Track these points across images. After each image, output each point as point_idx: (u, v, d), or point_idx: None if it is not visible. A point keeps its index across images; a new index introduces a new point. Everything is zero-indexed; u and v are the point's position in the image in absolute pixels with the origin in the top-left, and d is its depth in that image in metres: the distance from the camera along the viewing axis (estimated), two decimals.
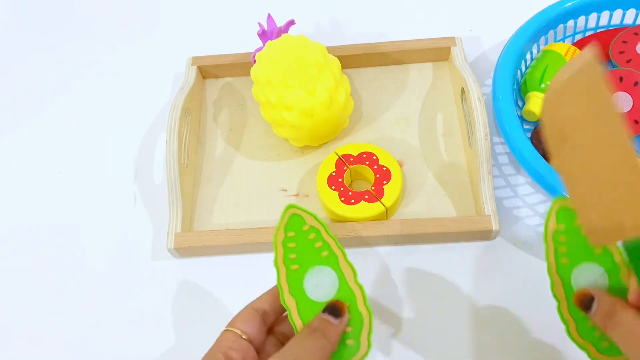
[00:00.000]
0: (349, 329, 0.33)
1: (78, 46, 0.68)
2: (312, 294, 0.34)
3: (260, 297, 0.36)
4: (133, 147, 0.58)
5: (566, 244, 0.35)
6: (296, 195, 0.52)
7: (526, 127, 0.53)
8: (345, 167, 0.50)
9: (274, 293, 0.36)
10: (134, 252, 0.51)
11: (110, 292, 0.49)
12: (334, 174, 0.49)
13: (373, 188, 0.48)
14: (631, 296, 0.32)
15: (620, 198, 0.27)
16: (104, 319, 0.48)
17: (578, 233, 0.35)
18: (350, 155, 0.50)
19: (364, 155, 0.50)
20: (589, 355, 0.34)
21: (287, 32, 0.54)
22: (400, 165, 0.52)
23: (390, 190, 0.48)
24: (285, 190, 0.52)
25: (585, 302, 0.33)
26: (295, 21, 0.54)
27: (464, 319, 0.45)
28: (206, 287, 0.49)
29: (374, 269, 0.48)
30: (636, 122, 0.49)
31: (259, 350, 0.35)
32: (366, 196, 0.48)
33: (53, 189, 0.56)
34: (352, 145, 0.51)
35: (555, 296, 0.35)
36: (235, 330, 0.34)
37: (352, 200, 0.48)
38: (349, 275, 0.34)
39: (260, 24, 0.53)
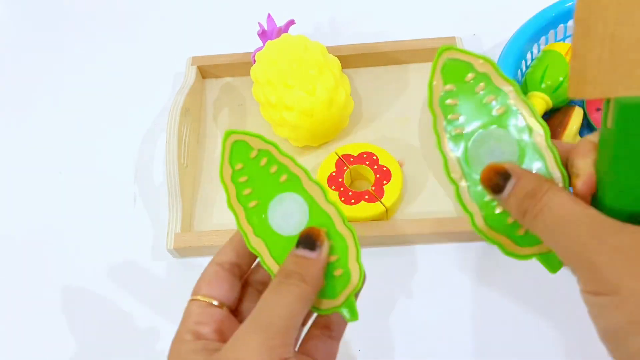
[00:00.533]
0: (333, 258, 0.28)
1: (77, 46, 0.68)
2: (280, 228, 0.28)
3: (223, 248, 0.30)
4: (133, 147, 0.58)
5: (459, 108, 0.27)
6: None
7: None
8: (345, 167, 0.49)
9: (239, 240, 0.30)
10: (133, 252, 0.51)
11: (109, 292, 0.49)
12: (334, 174, 0.49)
13: (373, 188, 0.48)
14: (581, 181, 0.24)
15: None
16: (104, 319, 0.48)
17: (473, 93, 0.27)
18: (350, 155, 0.50)
19: (364, 155, 0.50)
20: (503, 249, 0.27)
21: (287, 32, 0.53)
22: (401, 165, 0.52)
23: (391, 190, 0.48)
24: None
25: (497, 180, 0.25)
26: (295, 21, 0.54)
27: (464, 319, 0.45)
28: None
29: (374, 269, 0.48)
30: None
31: (237, 311, 0.30)
32: (366, 196, 0.48)
33: (53, 189, 0.56)
34: (352, 145, 0.51)
35: (449, 178, 0.27)
36: (202, 299, 0.28)
37: (352, 200, 0.48)
38: (317, 195, 0.28)
39: (260, 24, 0.53)
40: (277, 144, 0.29)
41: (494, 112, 0.27)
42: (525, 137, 0.26)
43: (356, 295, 0.28)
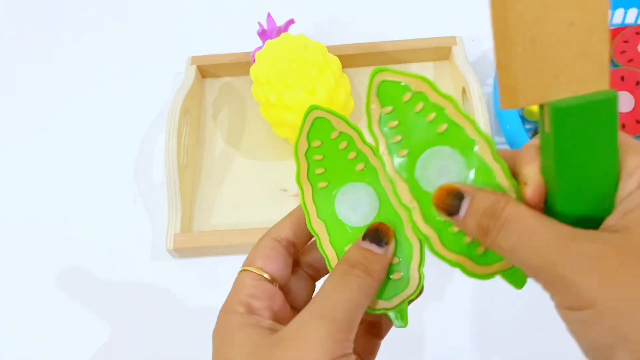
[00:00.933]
0: (395, 260, 0.26)
1: (76, 45, 0.67)
2: (346, 216, 0.27)
3: (282, 222, 0.29)
4: (132, 147, 0.57)
5: (400, 130, 0.26)
6: (296, 195, 0.52)
7: (527, 126, 0.53)
8: None
9: (298, 217, 0.29)
10: (133, 253, 0.51)
11: (109, 292, 0.49)
12: None
13: None
14: (530, 189, 0.23)
15: (567, 48, 0.21)
16: (103, 319, 0.48)
17: (413, 113, 0.26)
18: None
19: None
20: (465, 271, 0.26)
21: (286, 31, 0.53)
22: None
23: None
24: (285, 190, 0.52)
25: (450, 202, 0.24)
26: (295, 20, 0.54)
27: (463, 319, 0.45)
28: (206, 288, 0.49)
29: None
30: (638, 121, 0.49)
31: (285, 291, 0.28)
32: None
33: (53, 188, 0.56)
34: None
35: (401, 204, 0.25)
36: (256, 271, 0.27)
37: None
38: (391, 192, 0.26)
39: (260, 23, 0.53)
40: (361, 131, 0.27)
41: (436, 130, 0.25)
42: (471, 152, 0.25)
43: (409, 302, 0.27)
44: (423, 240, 0.26)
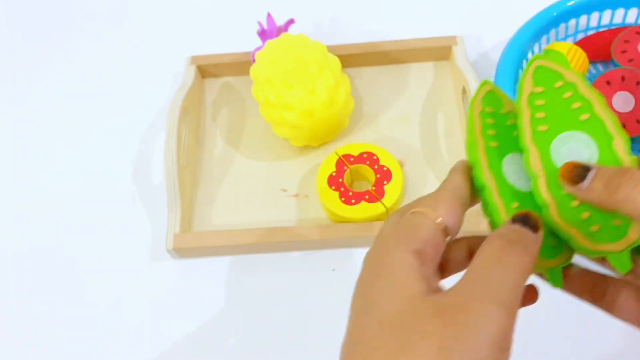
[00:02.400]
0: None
1: (76, 45, 0.67)
2: (510, 178, 0.28)
3: (458, 173, 0.28)
4: (131, 147, 0.57)
5: (545, 109, 0.29)
6: (296, 195, 0.52)
7: None
8: (345, 167, 0.49)
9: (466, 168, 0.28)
10: (132, 253, 0.51)
11: (108, 293, 0.49)
12: (334, 174, 0.49)
13: (374, 188, 0.48)
14: None
15: None
16: (103, 320, 0.48)
17: (560, 96, 0.29)
18: (350, 155, 0.50)
19: (365, 155, 0.50)
20: (574, 243, 0.27)
21: (286, 31, 0.53)
22: (401, 166, 0.51)
23: (391, 191, 0.48)
24: (285, 190, 0.52)
25: (577, 171, 0.25)
26: (295, 20, 0.53)
27: None
28: (205, 288, 0.48)
29: None
30: (638, 121, 0.49)
31: None
32: (367, 196, 0.47)
33: (52, 188, 0.56)
34: (352, 145, 0.50)
35: (530, 171, 0.28)
36: (438, 220, 0.25)
37: (353, 201, 0.47)
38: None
39: (259, 23, 0.53)
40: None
41: (578, 117, 0.28)
42: (607, 145, 0.27)
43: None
44: (542, 208, 0.27)
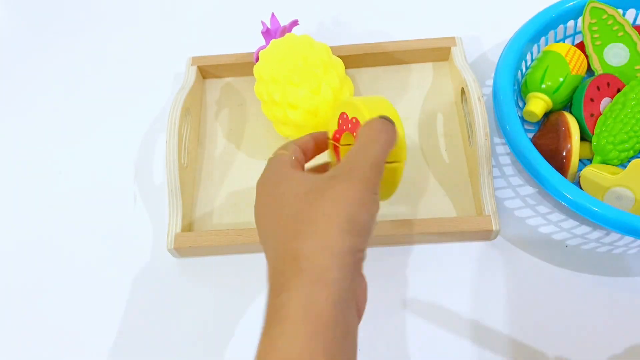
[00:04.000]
0: None
1: (77, 46, 0.68)
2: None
3: (309, 136, 0.41)
4: (133, 147, 0.58)
5: (598, 32, 0.52)
6: None
7: (527, 127, 0.53)
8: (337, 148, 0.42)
9: (317, 137, 0.41)
10: (133, 252, 0.51)
11: (109, 292, 0.49)
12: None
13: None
14: None
15: None
16: (104, 319, 0.48)
17: (606, 24, 0.52)
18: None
19: (349, 125, 0.40)
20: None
21: (290, 31, 0.54)
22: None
23: (388, 189, 0.48)
24: None
25: None
26: (299, 22, 0.54)
27: (464, 319, 0.45)
28: (206, 287, 0.49)
29: (374, 269, 0.48)
30: None
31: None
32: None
33: (53, 189, 0.56)
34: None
35: (593, 68, 0.52)
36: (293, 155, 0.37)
37: None
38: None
39: (263, 23, 0.53)
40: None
41: (617, 35, 0.52)
42: (634, 49, 0.51)
43: None
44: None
